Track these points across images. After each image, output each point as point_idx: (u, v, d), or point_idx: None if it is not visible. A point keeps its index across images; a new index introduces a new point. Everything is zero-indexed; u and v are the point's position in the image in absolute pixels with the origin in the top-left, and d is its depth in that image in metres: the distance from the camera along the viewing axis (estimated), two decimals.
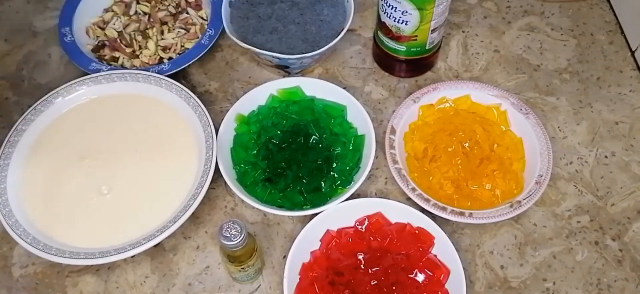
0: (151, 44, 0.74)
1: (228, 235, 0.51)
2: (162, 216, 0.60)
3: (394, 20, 0.66)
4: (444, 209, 0.60)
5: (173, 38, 0.75)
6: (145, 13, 0.77)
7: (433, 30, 0.67)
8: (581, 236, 0.63)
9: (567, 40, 0.79)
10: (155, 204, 0.62)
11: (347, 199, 0.60)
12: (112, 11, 0.78)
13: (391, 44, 0.70)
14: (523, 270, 0.61)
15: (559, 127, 0.71)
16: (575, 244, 0.62)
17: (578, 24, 0.80)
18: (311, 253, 0.59)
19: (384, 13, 0.67)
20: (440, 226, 0.59)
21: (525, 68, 0.76)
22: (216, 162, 0.62)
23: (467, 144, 0.65)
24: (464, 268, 0.56)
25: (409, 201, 0.62)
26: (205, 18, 0.78)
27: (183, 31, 0.76)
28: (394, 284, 0.56)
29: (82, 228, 0.61)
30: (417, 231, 0.59)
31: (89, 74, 0.70)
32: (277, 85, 0.69)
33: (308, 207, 0.62)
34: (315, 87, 0.69)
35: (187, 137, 0.66)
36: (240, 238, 0.51)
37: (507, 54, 0.77)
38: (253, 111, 0.69)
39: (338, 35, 0.70)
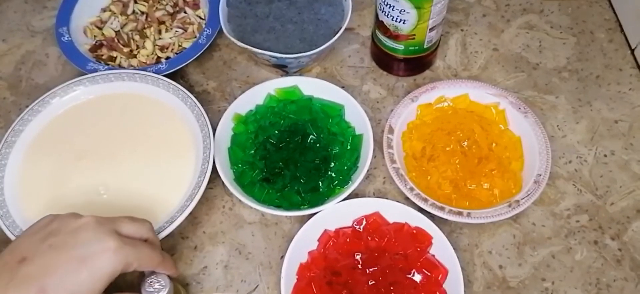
0: (149, 44, 0.74)
1: (151, 290, 0.51)
2: (159, 217, 0.60)
3: (392, 19, 0.66)
4: (442, 208, 0.60)
5: (170, 37, 0.75)
6: (142, 12, 0.77)
7: (431, 29, 0.67)
8: (580, 236, 0.62)
9: (566, 38, 0.78)
10: (152, 205, 0.61)
11: (345, 199, 0.60)
12: (110, 11, 0.78)
13: (389, 42, 0.70)
14: (522, 270, 0.60)
15: (558, 126, 0.70)
16: (574, 243, 0.62)
17: (577, 22, 0.80)
18: (309, 253, 0.59)
19: (382, 12, 0.67)
20: (438, 226, 0.58)
21: (524, 67, 0.76)
22: (214, 162, 0.62)
23: (465, 144, 0.65)
24: (462, 268, 0.56)
25: (407, 201, 0.62)
26: (202, 17, 0.78)
27: (181, 30, 0.76)
28: (391, 284, 0.56)
29: None
30: (415, 231, 0.59)
31: (86, 73, 0.69)
32: (275, 84, 0.69)
33: (306, 207, 0.62)
34: (313, 87, 0.69)
35: (185, 137, 0.66)
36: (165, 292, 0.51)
37: (506, 52, 0.77)
38: (251, 110, 0.69)
39: (336, 34, 0.69)
